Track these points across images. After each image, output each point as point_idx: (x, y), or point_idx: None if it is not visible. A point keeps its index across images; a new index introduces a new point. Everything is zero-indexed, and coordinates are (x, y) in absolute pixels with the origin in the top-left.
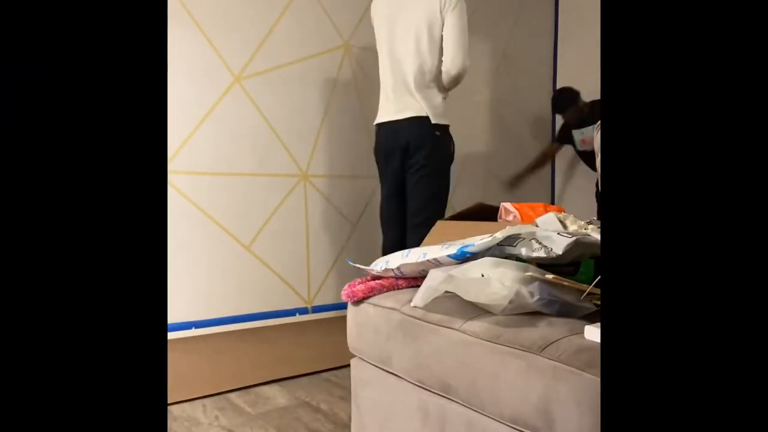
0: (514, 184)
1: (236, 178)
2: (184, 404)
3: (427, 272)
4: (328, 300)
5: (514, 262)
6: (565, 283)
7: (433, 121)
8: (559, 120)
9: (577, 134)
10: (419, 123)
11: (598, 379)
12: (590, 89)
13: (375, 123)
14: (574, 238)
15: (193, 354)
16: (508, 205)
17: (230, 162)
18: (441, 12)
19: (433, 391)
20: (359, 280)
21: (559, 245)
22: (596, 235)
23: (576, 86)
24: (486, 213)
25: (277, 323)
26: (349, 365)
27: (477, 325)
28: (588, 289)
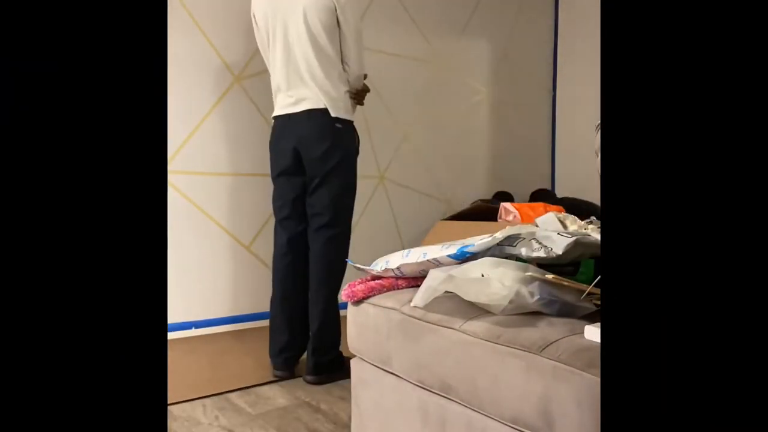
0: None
1: (236, 178)
2: (184, 404)
3: (427, 272)
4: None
5: (514, 262)
6: (565, 283)
7: (332, 114)
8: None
9: None
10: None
11: (598, 379)
12: (590, 89)
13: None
14: (574, 238)
15: (193, 354)
16: (508, 205)
17: (230, 162)
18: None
19: (433, 391)
20: (359, 280)
21: (559, 245)
22: (596, 235)
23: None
24: (486, 213)
25: None
26: (349, 365)
27: (477, 325)
28: (588, 289)
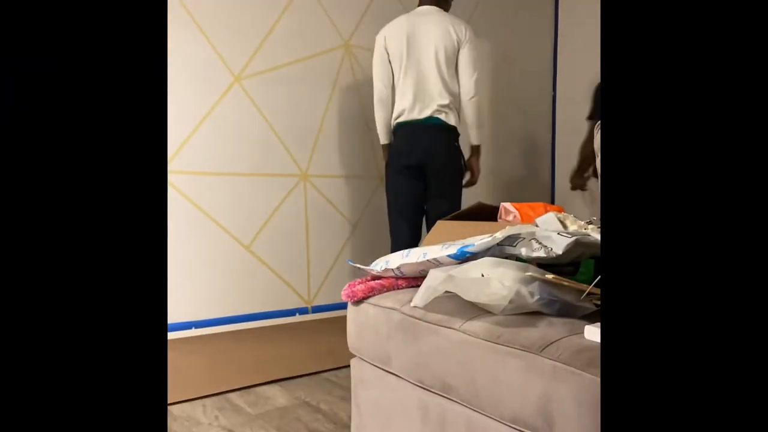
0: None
1: (236, 178)
2: (184, 404)
3: (427, 272)
4: (328, 300)
5: (514, 262)
6: (565, 283)
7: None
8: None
9: None
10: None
11: (598, 379)
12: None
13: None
14: (574, 238)
15: (193, 354)
16: (508, 205)
17: (230, 162)
18: (457, 43)
19: (432, 390)
20: (359, 280)
21: (559, 245)
22: (596, 235)
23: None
24: (486, 213)
25: (277, 323)
26: (349, 365)
27: (477, 325)
28: (588, 289)
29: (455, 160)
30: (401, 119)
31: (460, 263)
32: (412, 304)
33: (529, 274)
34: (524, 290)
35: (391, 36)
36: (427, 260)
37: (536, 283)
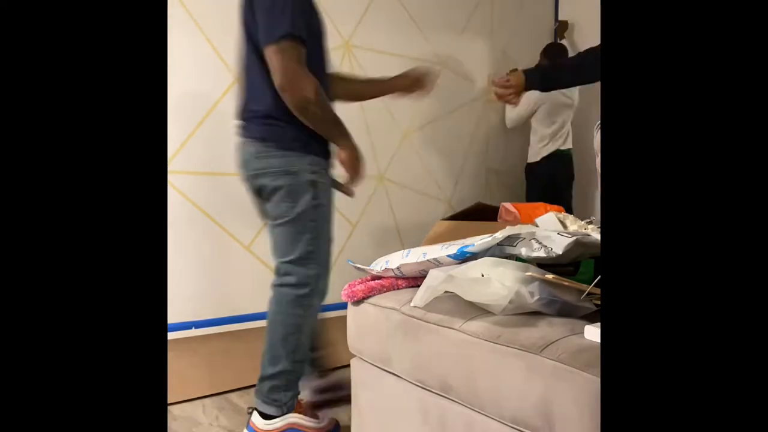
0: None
1: (236, 178)
2: (184, 404)
3: (427, 272)
4: (328, 300)
5: (514, 262)
6: (565, 283)
7: None
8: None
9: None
10: None
11: (598, 379)
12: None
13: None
14: (574, 238)
15: (193, 354)
16: (508, 205)
17: (230, 162)
18: None
19: (433, 391)
20: (359, 280)
21: (559, 245)
22: (596, 235)
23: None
24: (486, 213)
25: None
26: (349, 365)
27: (477, 325)
28: (588, 289)
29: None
30: None
31: (460, 263)
32: (412, 304)
33: (529, 274)
34: (524, 290)
35: None
36: (427, 260)
37: (536, 283)
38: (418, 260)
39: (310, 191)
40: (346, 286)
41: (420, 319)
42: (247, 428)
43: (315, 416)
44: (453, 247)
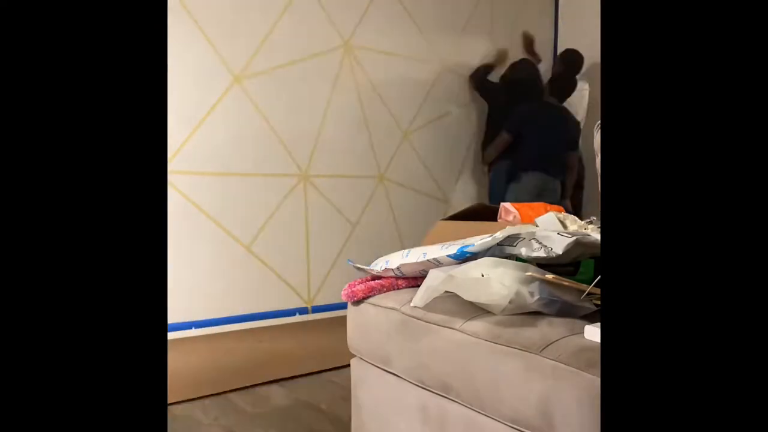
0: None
1: (236, 178)
2: (184, 404)
3: (427, 272)
4: (328, 300)
5: (514, 262)
6: (565, 283)
7: None
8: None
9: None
10: None
11: (598, 379)
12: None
13: None
14: (574, 238)
15: (193, 354)
16: (508, 205)
17: (230, 162)
18: None
19: (433, 391)
20: (359, 280)
21: (559, 245)
22: (596, 235)
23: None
24: (486, 213)
25: (277, 323)
26: (349, 365)
27: (477, 325)
28: (588, 289)
29: None
30: None
31: (460, 263)
32: (412, 304)
33: (529, 274)
34: (524, 290)
35: None
36: (427, 260)
37: (536, 283)
38: (418, 260)
39: None
40: (346, 286)
41: (420, 319)
42: None
43: None
44: (453, 247)
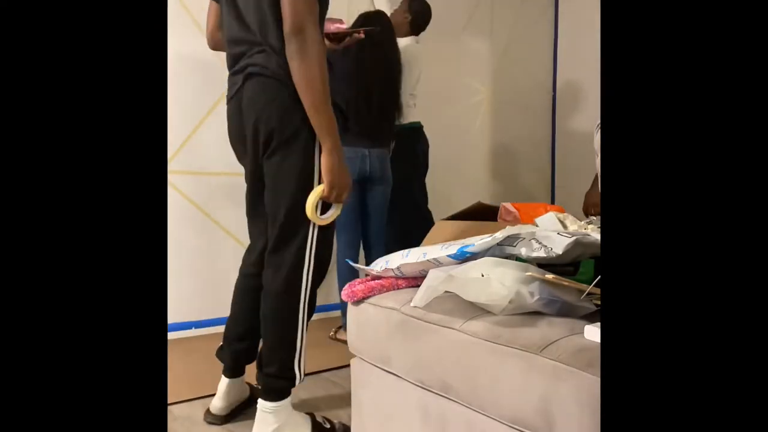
0: None
1: (236, 178)
2: (184, 404)
3: (427, 272)
4: (328, 300)
5: (514, 262)
6: (565, 283)
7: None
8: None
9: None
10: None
11: (598, 379)
12: (591, 89)
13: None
14: (574, 238)
15: (193, 354)
16: (508, 205)
17: (230, 162)
18: None
19: (433, 391)
20: (359, 280)
21: (559, 245)
22: (596, 235)
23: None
24: (486, 213)
25: None
26: (349, 365)
27: (477, 325)
28: (588, 289)
29: None
30: None
31: (460, 263)
32: (412, 304)
33: (529, 274)
34: (524, 290)
35: None
36: (427, 260)
37: (536, 283)
38: (418, 260)
39: None
40: (346, 286)
41: (420, 319)
42: None
43: None
44: (453, 247)
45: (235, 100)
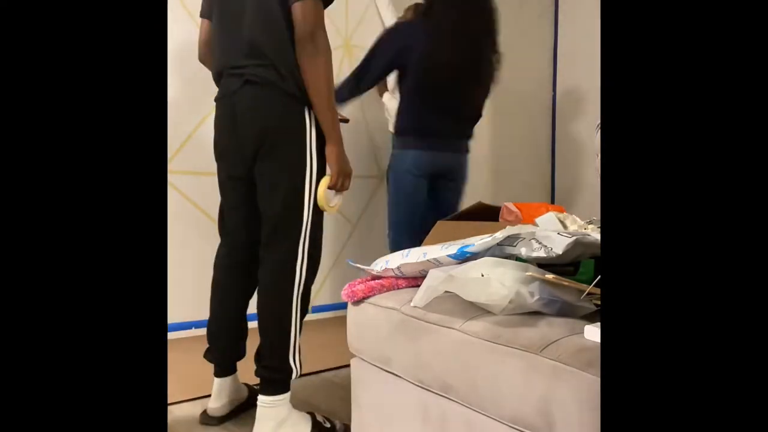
0: None
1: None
2: (184, 404)
3: (427, 272)
4: (328, 300)
5: (514, 262)
6: (565, 283)
7: None
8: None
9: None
10: None
11: (598, 379)
12: (591, 89)
13: None
14: (574, 238)
15: (193, 354)
16: (510, 205)
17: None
18: None
19: (433, 391)
20: (359, 280)
21: (559, 245)
22: (596, 235)
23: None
24: (486, 213)
25: None
26: (349, 365)
27: (477, 325)
28: (588, 289)
29: None
30: None
31: (460, 263)
32: (412, 304)
33: (529, 274)
34: (524, 290)
35: None
36: (427, 260)
37: (536, 283)
38: (418, 260)
39: None
40: (346, 286)
41: (420, 319)
42: None
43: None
44: (453, 247)
45: (227, 101)
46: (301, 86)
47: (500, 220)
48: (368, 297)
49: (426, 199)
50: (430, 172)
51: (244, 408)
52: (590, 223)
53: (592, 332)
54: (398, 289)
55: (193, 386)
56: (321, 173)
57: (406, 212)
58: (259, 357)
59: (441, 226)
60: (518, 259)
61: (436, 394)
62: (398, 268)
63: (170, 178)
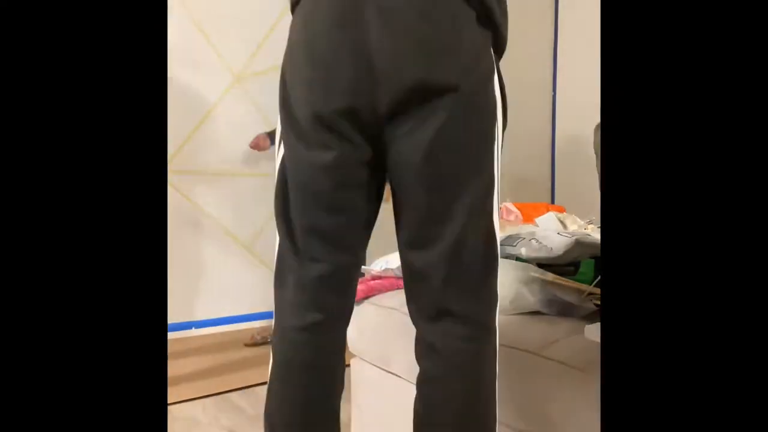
0: None
1: (236, 178)
2: (184, 404)
3: None
4: None
5: (514, 262)
6: (565, 283)
7: None
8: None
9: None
10: None
11: (598, 379)
12: (591, 89)
13: None
14: (574, 238)
15: (193, 354)
16: (510, 205)
17: (230, 162)
18: None
19: None
20: (359, 280)
21: (559, 245)
22: (596, 235)
23: (576, 86)
24: None
25: None
26: (349, 365)
27: None
28: (588, 289)
29: None
30: None
31: None
32: None
33: (529, 274)
34: (524, 290)
35: None
36: None
37: (536, 283)
38: None
39: None
40: None
41: None
42: None
43: None
44: None
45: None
46: None
47: (500, 220)
48: (368, 297)
49: None
50: None
51: None
52: (590, 223)
53: (592, 332)
54: (398, 289)
55: (193, 386)
56: None
57: None
58: None
59: None
60: (518, 259)
61: None
62: (398, 268)
63: (170, 178)
